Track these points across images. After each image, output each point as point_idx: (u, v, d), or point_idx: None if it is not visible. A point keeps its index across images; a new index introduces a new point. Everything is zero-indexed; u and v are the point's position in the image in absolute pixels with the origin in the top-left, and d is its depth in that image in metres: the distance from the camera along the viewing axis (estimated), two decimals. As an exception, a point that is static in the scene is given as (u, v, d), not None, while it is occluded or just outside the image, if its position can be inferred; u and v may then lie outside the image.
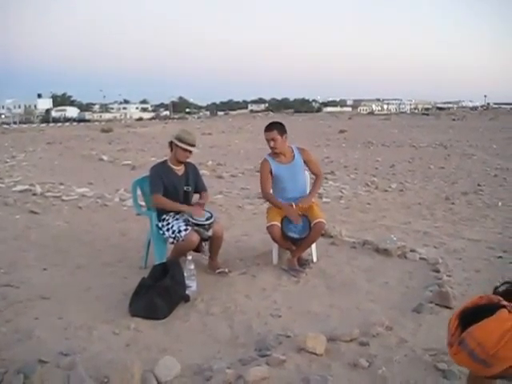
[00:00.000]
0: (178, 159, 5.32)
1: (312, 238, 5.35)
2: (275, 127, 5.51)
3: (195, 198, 5.58)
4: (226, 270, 5.27)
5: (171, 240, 5.14)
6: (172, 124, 53.29)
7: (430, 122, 46.18)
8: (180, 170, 5.39)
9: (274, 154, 5.57)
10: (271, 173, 5.55)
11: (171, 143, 5.33)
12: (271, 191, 5.60)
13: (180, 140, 5.24)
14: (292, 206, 5.39)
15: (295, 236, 5.28)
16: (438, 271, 5.27)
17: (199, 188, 5.55)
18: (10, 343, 3.71)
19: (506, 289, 2.22)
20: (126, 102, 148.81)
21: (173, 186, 5.28)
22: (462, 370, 3.10)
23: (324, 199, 9.32)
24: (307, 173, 5.83)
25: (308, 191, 5.68)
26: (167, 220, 5.23)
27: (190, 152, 5.31)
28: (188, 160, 5.43)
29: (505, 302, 2.09)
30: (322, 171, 6.09)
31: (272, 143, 5.49)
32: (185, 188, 5.36)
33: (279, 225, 5.27)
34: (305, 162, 5.65)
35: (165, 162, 5.45)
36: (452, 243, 6.42)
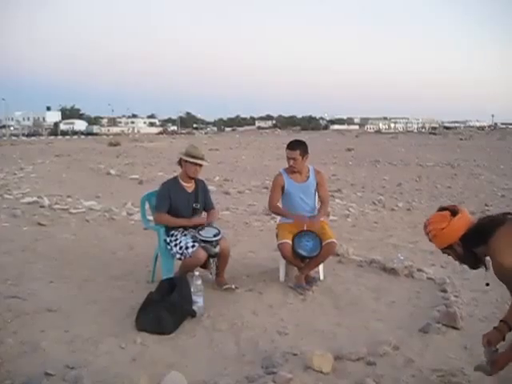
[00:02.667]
0: (189, 174, 5.34)
1: (322, 257, 5.34)
2: (299, 148, 5.51)
3: (204, 215, 5.58)
4: (233, 287, 5.26)
5: (178, 256, 5.15)
6: (179, 139, 53.57)
7: (437, 142, 46.16)
8: (190, 186, 5.41)
9: (291, 171, 5.59)
10: (283, 188, 5.57)
11: (180, 160, 5.36)
12: (280, 206, 5.62)
13: (188, 155, 5.28)
14: (302, 223, 5.41)
15: (306, 254, 5.27)
16: (445, 291, 5.25)
17: (207, 206, 5.57)
18: (16, 355, 3.72)
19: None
20: (134, 116, 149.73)
21: (182, 202, 5.30)
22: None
23: (331, 217, 9.30)
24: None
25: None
26: (175, 235, 5.24)
27: (200, 166, 5.34)
28: (198, 177, 5.46)
29: (461, 209, 3.03)
30: (329, 197, 6.07)
31: (292, 162, 5.51)
32: (194, 205, 5.37)
33: (290, 242, 5.27)
34: (317, 184, 5.66)
35: (175, 178, 5.47)
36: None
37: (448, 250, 3.06)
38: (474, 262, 3.07)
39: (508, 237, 2.78)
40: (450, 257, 3.16)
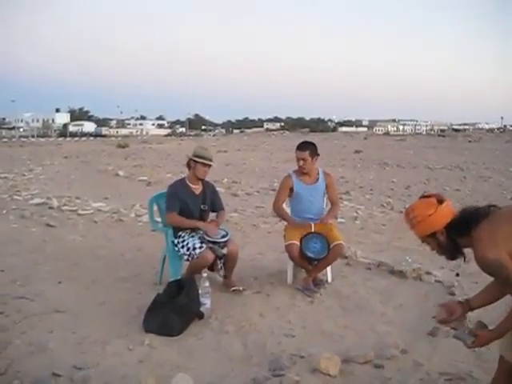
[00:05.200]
0: (198, 176, 5.35)
1: (330, 259, 5.34)
2: (308, 148, 5.53)
3: (212, 216, 5.59)
4: (241, 288, 5.26)
5: (186, 257, 5.16)
6: (188, 141, 53.65)
7: (445, 144, 45.96)
8: (198, 188, 5.42)
9: (300, 172, 5.60)
10: (292, 190, 5.57)
11: (189, 162, 5.38)
12: (286, 207, 5.65)
13: (198, 156, 5.30)
14: (310, 225, 5.42)
15: (313, 256, 5.26)
16: (453, 294, 5.23)
17: (216, 207, 5.58)
18: (24, 356, 3.74)
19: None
20: (143, 118, 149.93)
21: (189, 204, 5.31)
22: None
23: (339, 219, 9.27)
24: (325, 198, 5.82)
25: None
26: (183, 237, 5.25)
27: (209, 166, 5.36)
28: (206, 179, 5.47)
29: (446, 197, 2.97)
30: (339, 199, 6.07)
31: (301, 163, 5.51)
32: (201, 207, 5.38)
33: (298, 244, 5.26)
34: (326, 186, 5.66)
35: (183, 180, 5.49)
36: (468, 266, 6.29)
37: (429, 238, 3.00)
38: (454, 253, 3.02)
39: (491, 229, 2.75)
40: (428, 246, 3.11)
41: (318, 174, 5.67)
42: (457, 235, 2.89)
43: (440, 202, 2.94)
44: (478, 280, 5.73)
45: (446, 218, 2.90)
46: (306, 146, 5.56)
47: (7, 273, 5.82)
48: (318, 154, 5.62)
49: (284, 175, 5.82)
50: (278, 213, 5.69)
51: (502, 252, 2.70)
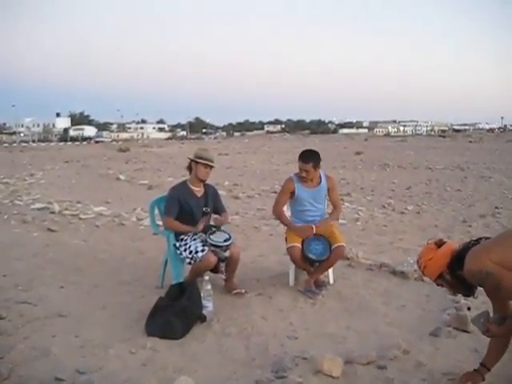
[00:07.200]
0: (200, 177, 5.37)
1: (332, 261, 5.35)
2: (312, 160, 5.45)
3: (214, 218, 5.60)
4: (243, 291, 5.26)
5: (188, 260, 5.16)
6: (189, 144, 53.65)
7: (446, 144, 45.97)
8: (199, 191, 5.44)
9: (302, 179, 5.57)
10: (293, 193, 5.56)
11: (190, 165, 5.40)
12: (286, 210, 5.66)
13: (200, 157, 5.33)
14: (311, 228, 5.42)
15: (315, 258, 5.27)
16: (455, 294, 5.21)
17: (219, 209, 5.59)
18: (27, 360, 3.73)
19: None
20: (144, 121, 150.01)
21: (192, 206, 5.32)
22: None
23: (340, 221, 9.26)
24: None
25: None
26: (185, 240, 5.25)
27: (211, 167, 5.37)
28: (207, 182, 5.49)
29: (447, 240, 3.33)
30: (340, 201, 6.09)
31: (304, 173, 5.48)
32: (204, 209, 5.40)
33: (300, 246, 5.28)
34: (328, 189, 5.66)
35: (185, 182, 5.50)
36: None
37: (440, 280, 3.28)
38: (466, 289, 3.25)
39: (475, 251, 3.02)
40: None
41: (320, 177, 5.67)
42: (458, 270, 3.13)
43: (439, 245, 3.27)
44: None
45: (445, 258, 3.20)
46: (310, 158, 5.47)
47: (10, 277, 5.82)
48: (320, 163, 5.60)
49: (285, 177, 5.82)
50: (279, 217, 5.68)
51: (485, 262, 2.89)
